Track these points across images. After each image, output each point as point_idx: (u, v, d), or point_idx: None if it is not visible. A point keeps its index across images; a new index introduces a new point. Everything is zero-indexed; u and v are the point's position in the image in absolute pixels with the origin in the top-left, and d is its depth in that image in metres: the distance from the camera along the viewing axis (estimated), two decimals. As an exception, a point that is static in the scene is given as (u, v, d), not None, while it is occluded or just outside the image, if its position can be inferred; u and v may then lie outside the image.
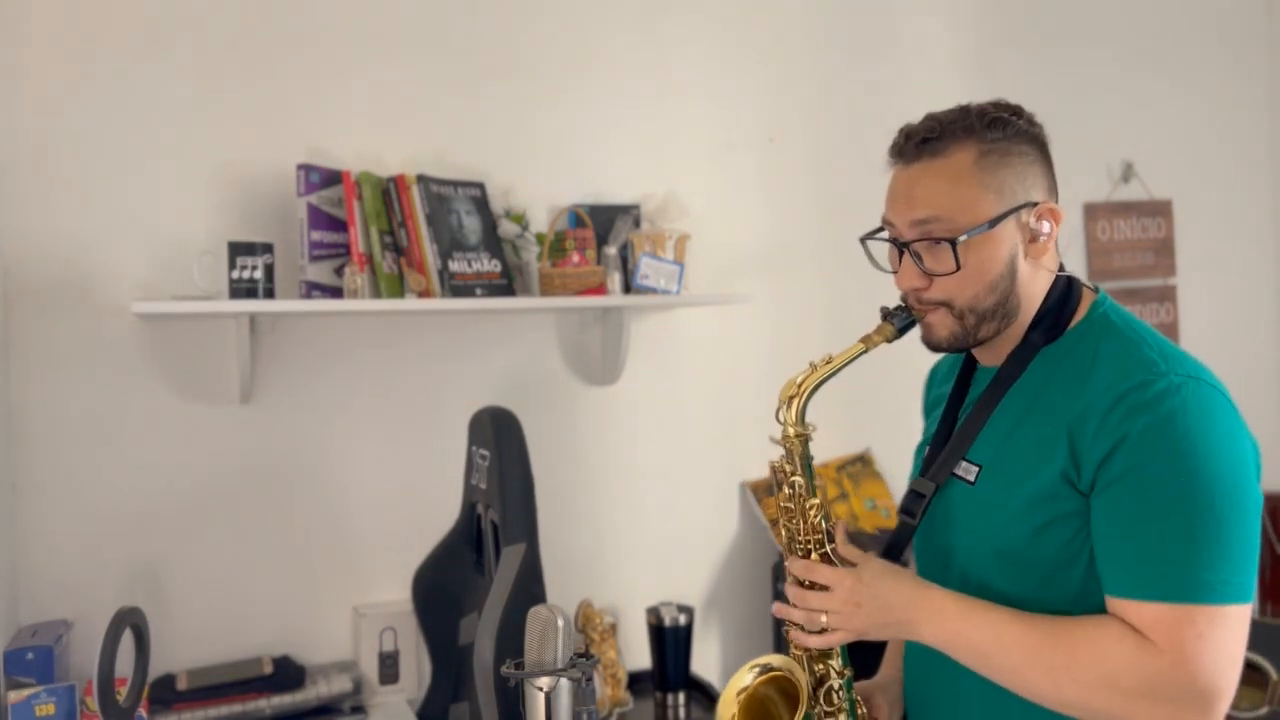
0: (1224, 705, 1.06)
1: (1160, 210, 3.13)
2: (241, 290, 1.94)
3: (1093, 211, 3.04)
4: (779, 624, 1.32)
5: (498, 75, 2.35)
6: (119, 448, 2.06)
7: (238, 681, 2.00)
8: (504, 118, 2.36)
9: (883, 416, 2.63)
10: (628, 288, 2.32)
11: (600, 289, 2.24)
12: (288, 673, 2.05)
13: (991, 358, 1.28)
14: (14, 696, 1.78)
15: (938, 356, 1.43)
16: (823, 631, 1.20)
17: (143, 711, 1.87)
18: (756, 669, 1.28)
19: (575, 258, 2.23)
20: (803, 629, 1.24)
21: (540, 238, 2.30)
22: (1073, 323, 1.22)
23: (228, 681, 2.00)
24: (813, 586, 1.23)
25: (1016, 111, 1.22)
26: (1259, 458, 1.12)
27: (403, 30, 2.27)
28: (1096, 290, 1.26)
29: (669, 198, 2.42)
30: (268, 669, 2.05)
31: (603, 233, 2.36)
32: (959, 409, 1.31)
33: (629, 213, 2.41)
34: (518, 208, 2.33)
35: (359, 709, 2.11)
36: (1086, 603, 1.14)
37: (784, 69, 2.64)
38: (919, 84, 2.79)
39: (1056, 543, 1.14)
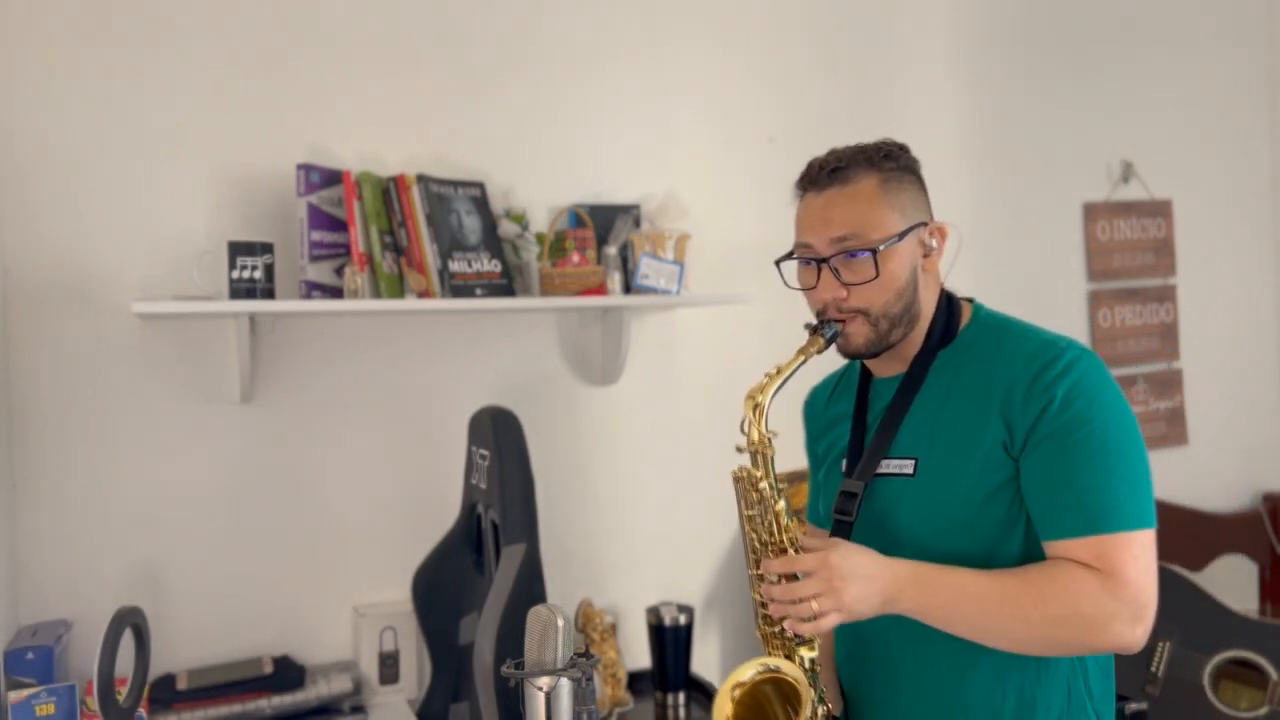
0: (1153, 616, 1.25)
1: (1160, 210, 3.13)
2: (241, 290, 1.94)
3: (1093, 211, 3.04)
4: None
5: (498, 75, 2.35)
6: (119, 448, 2.07)
7: (238, 681, 2.00)
8: (504, 118, 2.36)
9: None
10: (628, 288, 2.32)
11: (600, 289, 2.24)
12: (288, 673, 2.05)
13: (887, 369, 1.44)
14: (14, 696, 1.78)
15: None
16: (815, 618, 1.24)
17: (143, 711, 1.87)
18: (760, 667, 1.29)
19: (575, 258, 2.23)
20: (782, 630, 1.31)
21: (540, 238, 2.30)
22: (960, 326, 1.41)
23: (228, 681, 2.00)
24: (793, 579, 1.28)
25: (903, 148, 1.40)
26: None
27: (403, 30, 2.27)
28: (971, 300, 1.45)
29: (669, 198, 2.42)
30: (268, 669, 2.05)
31: (603, 233, 2.36)
32: (866, 419, 1.46)
33: (629, 213, 2.41)
34: (518, 208, 2.33)
35: (359, 709, 2.11)
36: (1030, 559, 1.30)
37: (784, 69, 2.65)
38: (919, 84, 2.79)
39: (1000, 508, 1.30)
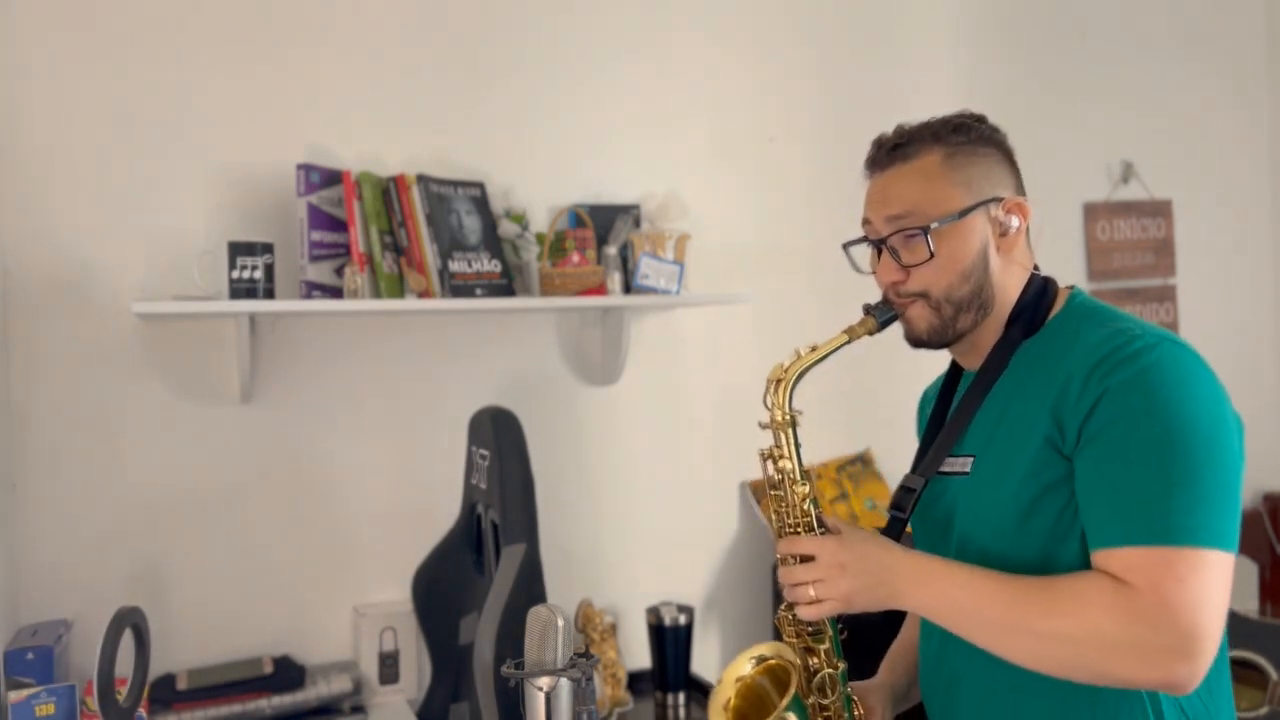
0: (1208, 652, 1.05)
1: (1160, 210, 3.13)
2: (241, 290, 1.94)
3: (1093, 211, 3.04)
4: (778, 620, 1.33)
5: (498, 76, 2.35)
6: (119, 448, 2.07)
7: (238, 681, 2.00)
8: (504, 118, 2.36)
9: (882, 417, 2.63)
10: (628, 288, 2.32)
11: (600, 289, 2.24)
12: (288, 673, 2.05)
13: (973, 360, 1.32)
14: (14, 696, 1.78)
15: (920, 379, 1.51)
16: (813, 603, 1.21)
17: (143, 711, 1.87)
18: (752, 660, 1.28)
19: (575, 258, 2.23)
20: (791, 610, 1.26)
21: (540, 238, 2.30)
22: (1050, 315, 1.27)
23: (228, 681, 2.00)
24: (800, 562, 1.24)
25: (979, 119, 1.28)
26: (1242, 427, 1.16)
27: (403, 30, 2.27)
28: (1072, 287, 1.32)
29: (669, 198, 2.42)
30: (268, 669, 2.05)
31: (603, 233, 2.36)
32: (946, 412, 1.36)
33: (629, 213, 2.41)
34: (518, 208, 2.33)
35: (359, 709, 2.11)
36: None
37: (784, 69, 2.64)
38: (919, 84, 2.79)
39: (1051, 513, 1.16)
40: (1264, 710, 2.46)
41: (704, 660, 2.50)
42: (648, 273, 2.28)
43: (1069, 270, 3.02)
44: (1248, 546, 3.07)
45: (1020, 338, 1.26)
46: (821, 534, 1.26)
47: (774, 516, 1.30)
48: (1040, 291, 1.28)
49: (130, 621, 1.58)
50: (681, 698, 2.28)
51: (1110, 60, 3.05)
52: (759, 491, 2.55)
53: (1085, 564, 1.13)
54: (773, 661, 1.29)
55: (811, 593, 1.19)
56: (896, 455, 2.63)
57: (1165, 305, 3.15)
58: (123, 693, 1.64)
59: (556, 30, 2.41)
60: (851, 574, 1.18)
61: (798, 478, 1.28)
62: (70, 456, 2.03)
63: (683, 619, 2.28)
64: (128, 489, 2.07)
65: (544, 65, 2.40)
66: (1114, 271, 3.07)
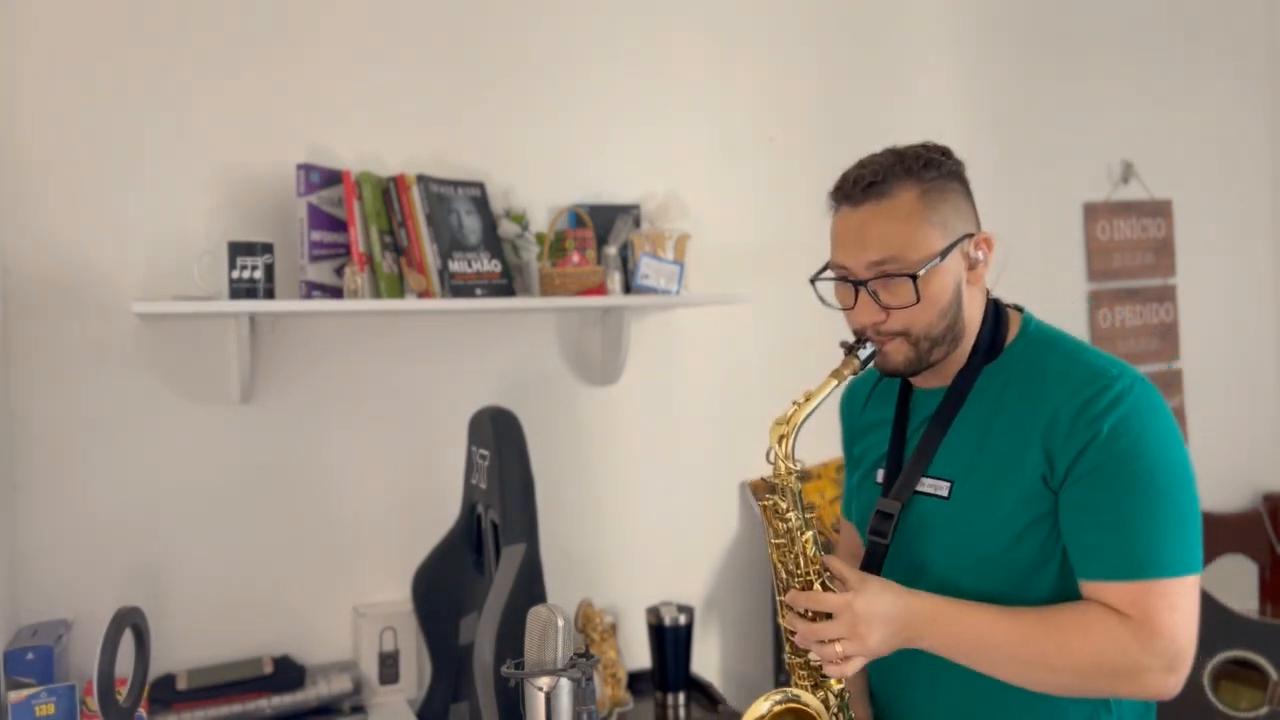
0: (1189, 666, 1.19)
1: (1160, 210, 3.13)
2: (241, 290, 1.94)
3: (1093, 211, 3.04)
4: (779, 625, 1.34)
5: (498, 76, 2.35)
6: (119, 448, 2.06)
7: (238, 681, 2.00)
8: (504, 118, 2.36)
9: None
10: (628, 288, 2.32)
11: (600, 289, 2.24)
12: (288, 673, 2.05)
13: (930, 380, 1.36)
14: (14, 696, 1.78)
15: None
16: (842, 660, 1.22)
17: (143, 711, 1.87)
18: (775, 699, 1.28)
19: (575, 258, 2.23)
20: (808, 662, 1.29)
21: (540, 238, 2.30)
22: (1008, 341, 1.33)
23: (228, 681, 2.00)
24: (816, 617, 1.25)
25: (945, 152, 1.30)
26: None
27: (403, 30, 2.27)
28: (1020, 310, 1.38)
29: (669, 198, 2.42)
30: (268, 669, 2.05)
31: (603, 233, 2.36)
32: (905, 432, 1.39)
33: (629, 213, 2.41)
34: (518, 208, 2.33)
35: (359, 709, 2.11)
36: (1062, 597, 1.25)
37: (784, 69, 2.64)
38: (919, 84, 2.79)
39: (1035, 542, 1.25)
40: (1264, 710, 2.47)
41: (704, 660, 2.51)
42: (648, 273, 2.28)
43: (1069, 270, 3.02)
44: (1248, 546, 3.07)
45: (983, 362, 1.32)
46: (830, 586, 1.27)
47: (779, 565, 1.32)
48: (995, 317, 1.34)
49: (130, 621, 1.58)
50: (681, 698, 2.28)
51: (1110, 60, 3.05)
52: (759, 492, 2.55)
53: (1061, 589, 1.25)
54: (796, 705, 1.29)
55: (839, 649, 1.22)
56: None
57: (1165, 305, 3.14)
58: (123, 693, 1.64)
59: (556, 30, 2.41)
60: (875, 629, 1.21)
61: (804, 527, 1.30)
62: (70, 456, 2.03)
63: (683, 619, 2.28)
64: (128, 489, 2.07)
65: (544, 65, 2.40)
66: (1114, 271, 3.07)
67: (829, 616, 1.23)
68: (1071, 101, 2.99)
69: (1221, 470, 3.17)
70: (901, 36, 2.78)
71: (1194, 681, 2.53)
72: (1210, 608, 2.57)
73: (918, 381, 1.39)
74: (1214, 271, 3.21)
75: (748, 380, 2.57)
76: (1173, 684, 1.19)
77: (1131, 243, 3.09)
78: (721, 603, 2.57)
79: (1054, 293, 3.00)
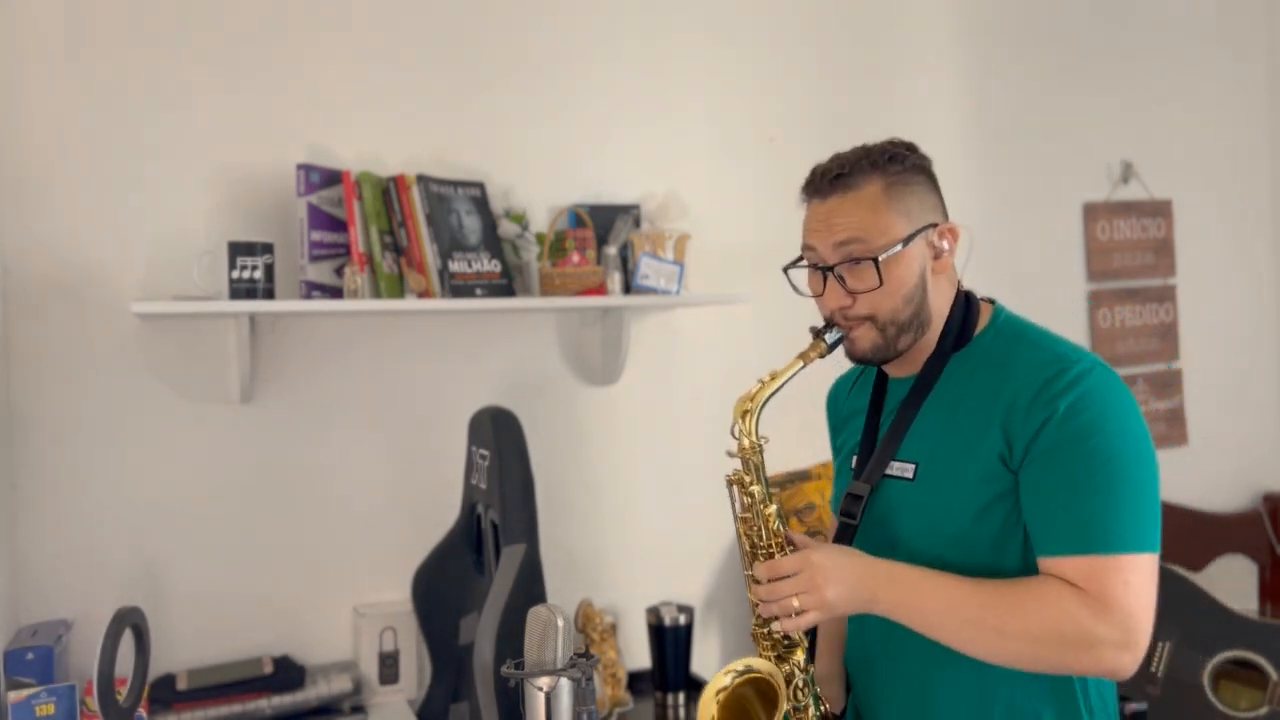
0: (1145, 643, 1.20)
1: (1160, 210, 3.13)
2: (241, 290, 1.94)
3: (1093, 211, 3.04)
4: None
5: (498, 76, 2.35)
6: (119, 448, 2.06)
7: (238, 681, 2.00)
8: (504, 118, 2.36)
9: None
10: (628, 288, 2.32)
11: (600, 289, 2.24)
12: (288, 673, 2.05)
13: (901, 369, 1.41)
14: (14, 696, 1.78)
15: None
16: (798, 614, 1.26)
17: (143, 711, 1.87)
18: (734, 672, 1.31)
19: (575, 258, 2.23)
20: (768, 627, 1.32)
21: (540, 238, 2.30)
22: (977, 330, 1.37)
23: (228, 681, 2.00)
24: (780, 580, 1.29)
25: (911, 147, 1.36)
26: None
27: (403, 30, 2.27)
28: (993, 302, 1.42)
29: (669, 198, 2.42)
30: (268, 669, 2.05)
31: (603, 233, 2.36)
32: (879, 418, 1.43)
33: (629, 213, 2.41)
34: (518, 208, 2.33)
35: (359, 709, 2.11)
36: (1026, 574, 1.27)
37: (784, 68, 2.64)
38: (919, 84, 2.79)
39: (997, 520, 1.28)
40: (1264, 710, 2.46)
41: (704, 660, 2.50)
42: (648, 273, 2.28)
43: (1069, 270, 3.02)
44: (1248, 546, 3.07)
45: (951, 350, 1.36)
46: (793, 550, 1.32)
47: (744, 539, 1.36)
48: (965, 307, 1.38)
49: (130, 621, 1.58)
50: (681, 698, 2.28)
51: (1110, 60, 3.05)
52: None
53: (1026, 566, 1.27)
54: (757, 675, 1.31)
55: (795, 604, 1.25)
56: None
57: (1165, 305, 3.15)
58: (123, 693, 1.65)
59: (556, 30, 2.41)
60: (832, 583, 1.25)
61: (767, 501, 1.35)
62: (70, 456, 2.03)
63: (683, 619, 2.28)
64: (128, 489, 2.07)
65: (544, 65, 2.40)
66: (1114, 271, 3.07)
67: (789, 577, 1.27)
68: (1071, 101, 2.99)
69: (1221, 470, 3.17)
70: (901, 37, 2.78)
71: (1194, 682, 2.53)
72: (1210, 608, 2.57)
73: (891, 370, 1.44)
74: (1214, 271, 3.21)
75: (748, 380, 2.55)
76: (1128, 661, 1.20)
77: (1131, 243, 3.09)
78: (721, 603, 2.57)
79: (1054, 293, 3.00)
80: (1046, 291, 2.97)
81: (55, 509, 2.02)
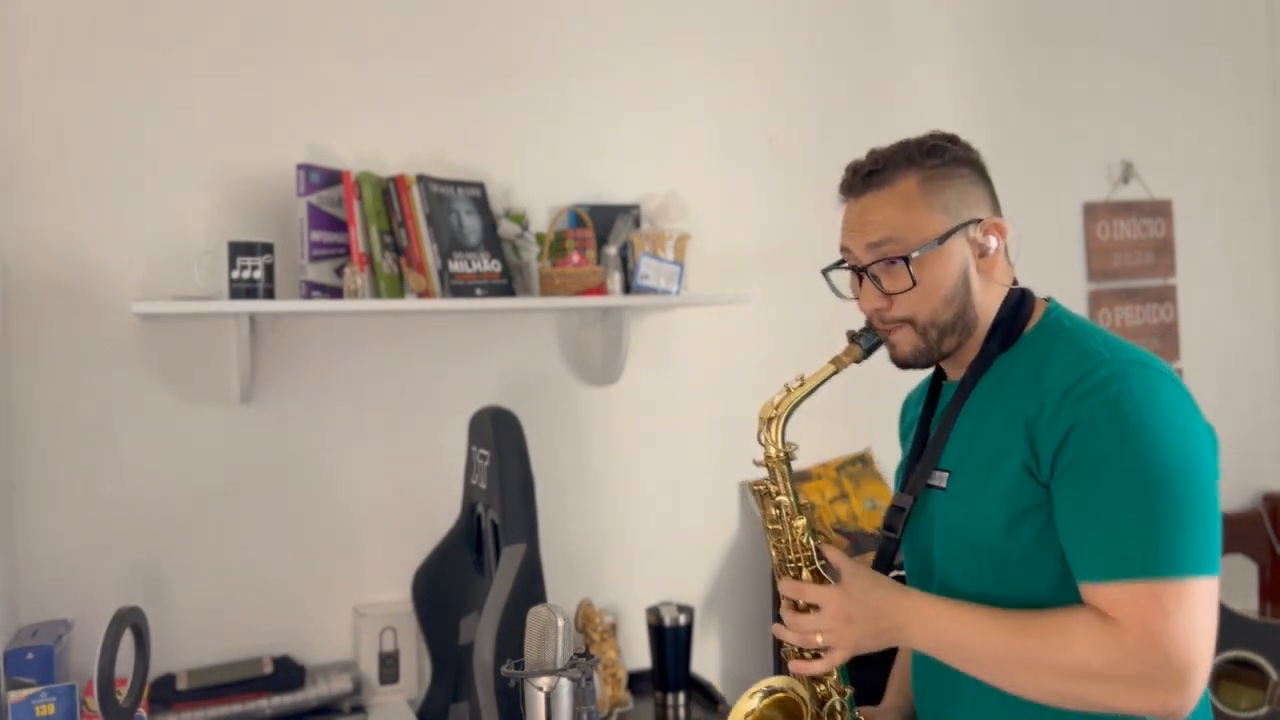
0: (1199, 680, 1.07)
1: (1160, 210, 3.13)
2: (241, 290, 1.94)
3: (1093, 211, 3.04)
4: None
5: (498, 75, 2.35)
6: (119, 448, 2.06)
7: (238, 681, 2.00)
8: (504, 118, 2.36)
9: (883, 416, 2.61)
10: (628, 288, 2.32)
11: (600, 289, 2.24)
12: (288, 673, 2.05)
13: (956, 371, 1.33)
14: (14, 696, 1.78)
15: (912, 379, 1.47)
16: (818, 654, 1.22)
17: (143, 711, 1.87)
18: (759, 694, 1.28)
19: (575, 258, 2.23)
20: (802, 653, 1.26)
21: (540, 238, 2.30)
22: (1026, 329, 1.28)
23: (228, 681, 2.00)
24: (805, 608, 1.24)
25: (952, 139, 1.29)
26: (1215, 441, 1.16)
27: (403, 30, 2.27)
28: (1049, 300, 1.32)
29: (669, 198, 2.42)
30: (268, 669, 2.05)
31: (603, 233, 2.36)
32: (930, 424, 1.36)
33: (629, 213, 2.41)
34: (518, 208, 2.33)
35: (359, 709, 2.11)
36: (1063, 600, 1.16)
37: (784, 69, 2.64)
38: (919, 84, 2.79)
39: (1028, 537, 1.17)
40: (1264, 710, 2.46)
41: (704, 660, 2.50)
42: (648, 273, 2.28)
43: (1069, 270, 3.02)
44: (1248, 546, 3.07)
45: (997, 351, 1.27)
46: (825, 575, 1.25)
47: (774, 551, 1.30)
48: (1017, 305, 1.28)
49: (130, 621, 1.58)
50: (681, 698, 2.27)
51: (1110, 60, 3.05)
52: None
53: (1063, 588, 1.16)
54: (781, 694, 1.29)
55: (819, 640, 1.21)
56: (896, 455, 2.63)
57: (1165, 305, 3.14)
58: (123, 693, 1.65)
59: (557, 30, 2.41)
60: (857, 624, 1.20)
61: (795, 512, 1.28)
62: (70, 456, 2.03)
63: (683, 619, 2.28)
64: (128, 489, 2.07)
65: (544, 65, 2.40)
66: (1114, 271, 3.07)
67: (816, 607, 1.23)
68: (1071, 101, 2.99)
69: (1221, 470, 3.16)
70: (902, 37, 2.78)
71: (1194, 681, 2.52)
72: (1210, 608, 2.57)
73: (948, 372, 1.36)
74: (1214, 271, 3.21)
75: (748, 380, 2.56)
76: (1177, 703, 1.06)
77: (1131, 243, 3.09)
78: (721, 603, 2.57)
79: (1054, 293, 2.90)
80: (1046, 291, 2.94)
81: (55, 509, 2.02)
